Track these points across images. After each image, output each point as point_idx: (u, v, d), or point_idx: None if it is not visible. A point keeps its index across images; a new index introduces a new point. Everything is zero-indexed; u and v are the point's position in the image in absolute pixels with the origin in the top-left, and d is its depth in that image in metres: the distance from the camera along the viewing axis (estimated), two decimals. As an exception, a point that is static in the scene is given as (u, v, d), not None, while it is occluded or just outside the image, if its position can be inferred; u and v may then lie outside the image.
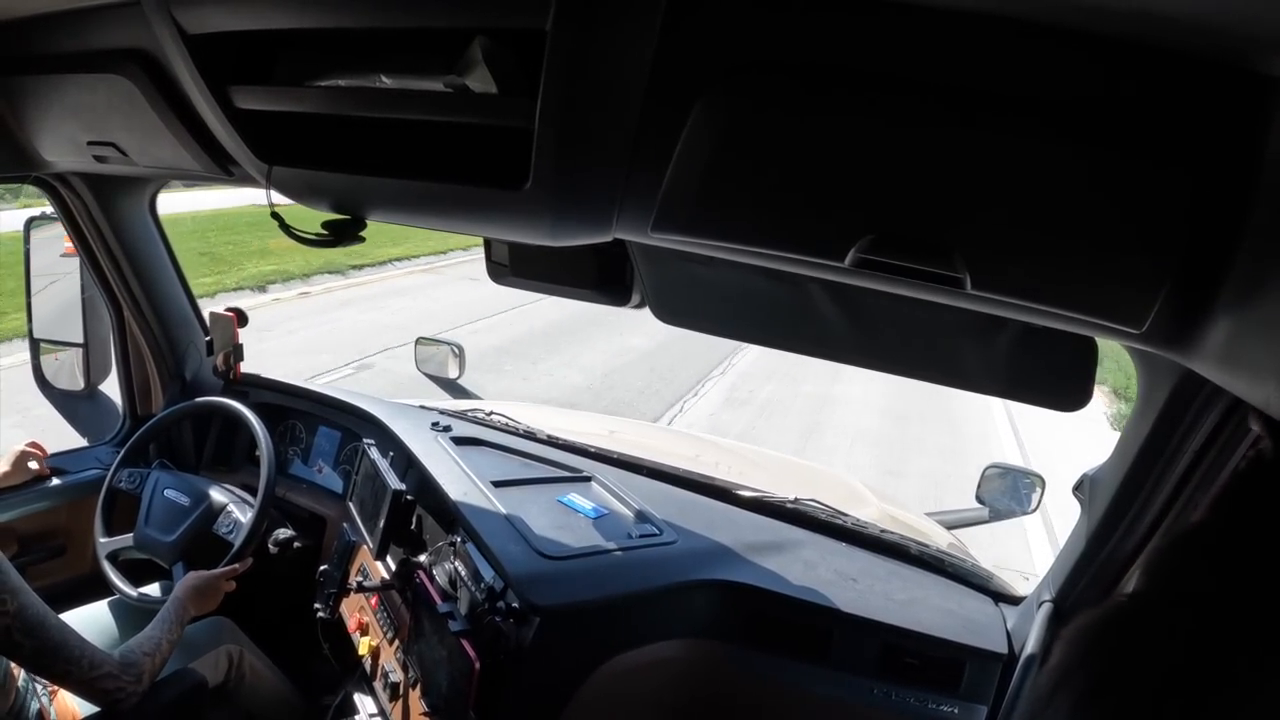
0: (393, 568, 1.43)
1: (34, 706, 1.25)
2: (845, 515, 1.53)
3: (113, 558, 1.65)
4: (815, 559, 1.38)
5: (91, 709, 1.26)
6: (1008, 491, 1.85)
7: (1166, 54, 0.53)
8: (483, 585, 1.22)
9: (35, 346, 1.94)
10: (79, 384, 1.94)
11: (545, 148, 0.68)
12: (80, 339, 1.90)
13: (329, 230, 0.95)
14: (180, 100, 0.98)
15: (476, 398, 2.46)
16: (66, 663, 1.10)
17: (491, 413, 1.84)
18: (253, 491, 1.64)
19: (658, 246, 0.78)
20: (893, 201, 0.62)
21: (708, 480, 1.61)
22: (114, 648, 1.19)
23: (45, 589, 1.17)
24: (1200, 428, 0.79)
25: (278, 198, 0.91)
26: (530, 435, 1.74)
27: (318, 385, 1.97)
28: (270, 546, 1.63)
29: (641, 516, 1.41)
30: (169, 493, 1.67)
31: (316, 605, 1.48)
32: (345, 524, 1.58)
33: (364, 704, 1.47)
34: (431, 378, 2.41)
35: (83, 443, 1.94)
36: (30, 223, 1.89)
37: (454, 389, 2.42)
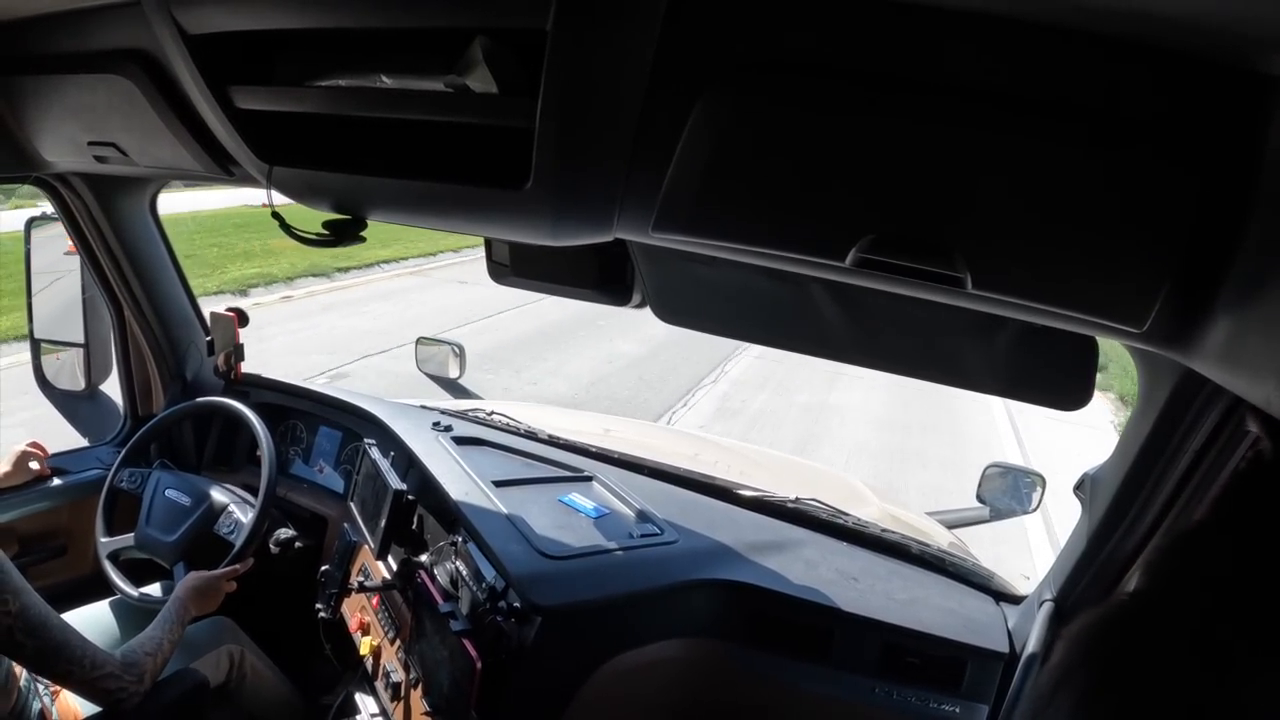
0: (394, 567, 1.43)
1: (36, 706, 1.25)
2: (846, 515, 1.53)
3: (114, 558, 1.65)
4: (816, 558, 1.38)
5: (93, 709, 1.26)
6: (1008, 491, 1.85)
7: (1167, 54, 0.53)
8: (484, 585, 1.22)
9: (36, 347, 1.95)
10: (80, 384, 1.94)
11: (546, 147, 0.68)
12: (81, 339, 1.91)
13: (330, 230, 0.95)
14: (181, 100, 0.98)
15: (477, 398, 2.46)
16: (68, 663, 1.10)
17: (492, 413, 1.84)
18: (254, 491, 1.64)
19: (659, 246, 0.78)
20: (893, 201, 0.62)
21: (709, 480, 1.61)
22: (115, 648, 1.19)
23: (46, 589, 1.17)
24: (1201, 427, 0.79)
25: (278, 198, 0.91)
26: (531, 435, 1.74)
27: (319, 385, 1.97)
28: (271, 546, 1.63)
29: (642, 516, 1.41)
30: (170, 493, 1.67)
31: (318, 605, 1.48)
32: (346, 524, 1.58)
33: (365, 704, 1.47)
34: (432, 377, 2.41)
35: (84, 443, 1.94)
36: (31, 222, 1.89)
37: (455, 389, 2.42)
